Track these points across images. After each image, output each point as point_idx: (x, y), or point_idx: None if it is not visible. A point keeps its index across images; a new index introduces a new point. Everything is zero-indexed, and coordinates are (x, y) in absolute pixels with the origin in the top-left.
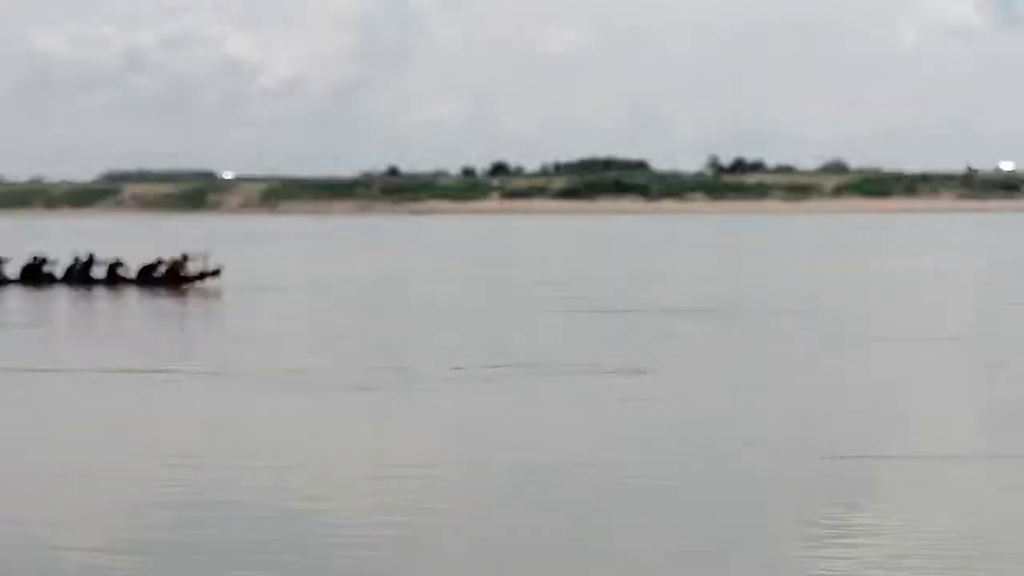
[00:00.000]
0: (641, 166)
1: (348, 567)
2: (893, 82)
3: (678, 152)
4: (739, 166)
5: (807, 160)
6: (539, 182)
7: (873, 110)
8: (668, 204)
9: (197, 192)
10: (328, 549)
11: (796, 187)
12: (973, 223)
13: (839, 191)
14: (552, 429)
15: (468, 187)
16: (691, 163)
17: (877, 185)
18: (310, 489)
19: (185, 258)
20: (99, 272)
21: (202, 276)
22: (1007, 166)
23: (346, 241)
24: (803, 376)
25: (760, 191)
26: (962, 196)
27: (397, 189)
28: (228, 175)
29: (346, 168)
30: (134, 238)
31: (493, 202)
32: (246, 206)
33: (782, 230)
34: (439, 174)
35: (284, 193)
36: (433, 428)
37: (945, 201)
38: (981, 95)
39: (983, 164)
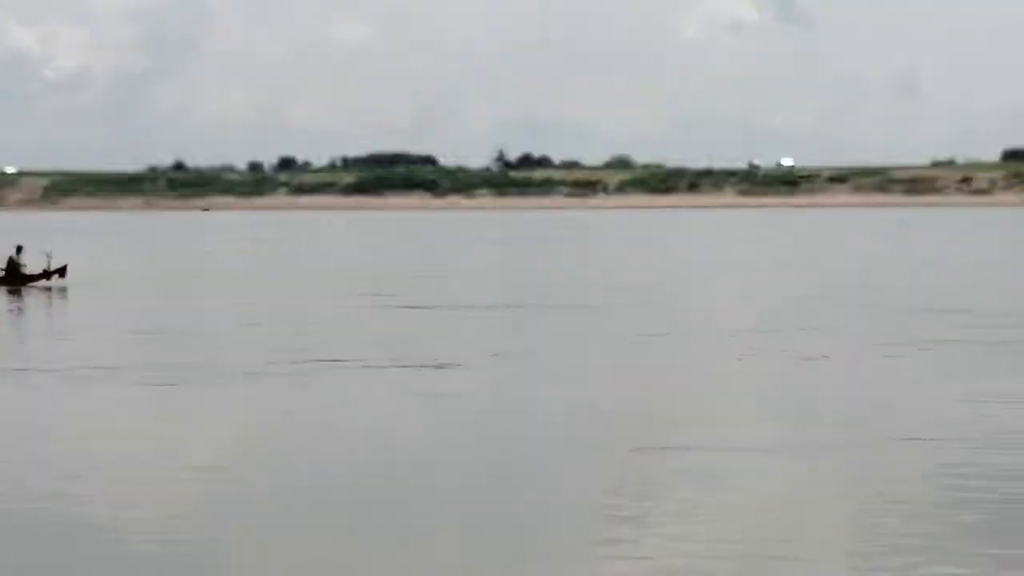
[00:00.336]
0: (429, 161)
1: (135, 567)
2: (676, 78)
3: (466, 147)
4: (526, 161)
5: (593, 156)
6: (327, 177)
7: (657, 106)
8: (456, 199)
9: None
10: (118, 548)
11: (582, 182)
12: (755, 218)
13: (624, 186)
14: (357, 425)
15: (256, 182)
16: (479, 158)
17: (661, 181)
18: (102, 488)
19: (19, 250)
20: None
21: (47, 274)
22: (787, 162)
23: (133, 237)
24: (606, 369)
25: (547, 186)
26: (744, 192)
27: (183, 184)
28: (10, 170)
29: (132, 162)
30: None
31: (281, 197)
32: (28, 202)
33: (568, 225)
34: (226, 169)
35: (67, 188)
36: (237, 424)
37: (728, 196)
38: (762, 91)
39: (764, 160)
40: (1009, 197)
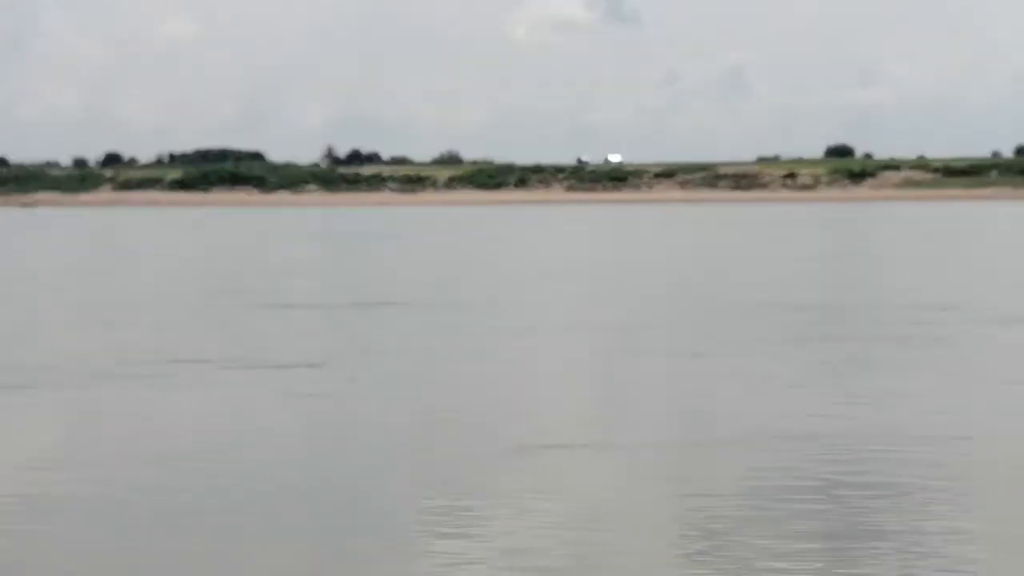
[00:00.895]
0: (257, 157)
1: None
2: (505, 75)
3: (295, 143)
4: (355, 157)
5: (422, 152)
6: (153, 172)
7: (486, 103)
8: (284, 195)
9: None
10: None
11: (411, 178)
12: (585, 213)
13: (453, 182)
14: (206, 427)
15: (80, 178)
16: (308, 154)
17: (490, 176)
18: None
19: None
20: None
21: None
22: (615, 158)
23: None
24: (458, 369)
25: (375, 182)
26: (572, 187)
27: (5, 180)
28: None
29: None
30: None
31: (106, 193)
32: None
33: (399, 221)
34: (50, 164)
35: None
36: (70, 428)
37: (556, 192)
38: (590, 88)
39: (593, 156)
40: (832, 193)
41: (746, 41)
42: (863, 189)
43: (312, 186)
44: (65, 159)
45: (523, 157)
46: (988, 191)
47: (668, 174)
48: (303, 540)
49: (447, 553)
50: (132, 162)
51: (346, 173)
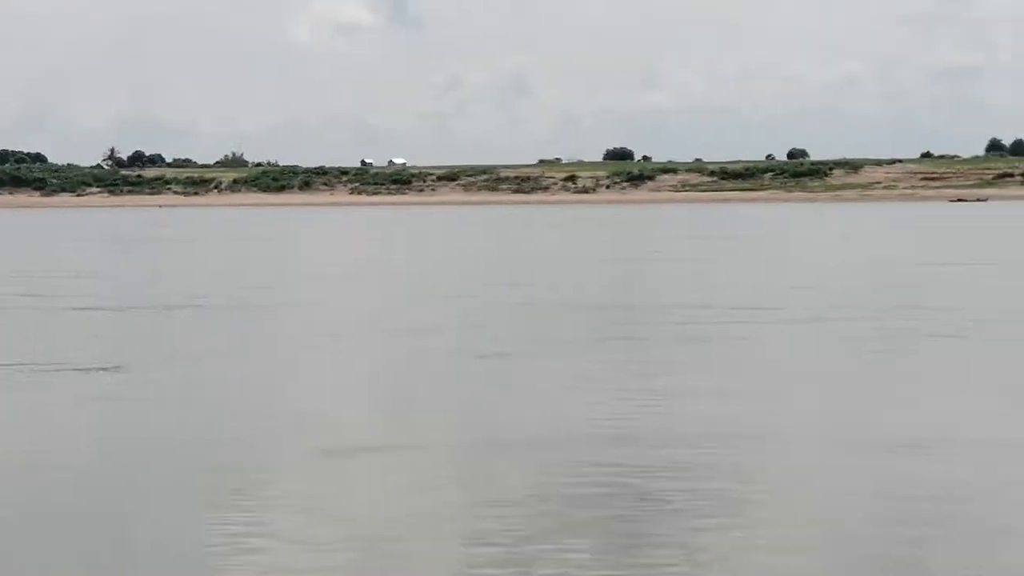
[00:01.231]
0: (38, 159)
1: None
2: (289, 78)
3: (77, 145)
4: (138, 159)
5: (206, 154)
6: None
7: (270, 105)
8: (65, 198)
9: None
10: None
11: (194, 181)
12: (369, 215)
13: (237, 185)
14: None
15: None
16: (89, 156)
17: (274, 179)
18: None
19: None
20: None
21: None
22: (399, 161)
23: None
24: (262, 372)
25: (158, 185)
26: (356, 190)
27: None
28: None
29: None
30: None
31: None
32: None
33: (183, 223)
34: None
35: None
36: None
37: (340, 195)
38: (374, 92)
39: (376, 159)
40: (611, 195)
41: (528, 46)
42: (642, 191)
43: (94, 188)
44: None
45: (308, 159)
46: (763, 193)
47: (451, 177)
48: (80, 567)
49: (242, 568)
50: None
51: (129, 175)
